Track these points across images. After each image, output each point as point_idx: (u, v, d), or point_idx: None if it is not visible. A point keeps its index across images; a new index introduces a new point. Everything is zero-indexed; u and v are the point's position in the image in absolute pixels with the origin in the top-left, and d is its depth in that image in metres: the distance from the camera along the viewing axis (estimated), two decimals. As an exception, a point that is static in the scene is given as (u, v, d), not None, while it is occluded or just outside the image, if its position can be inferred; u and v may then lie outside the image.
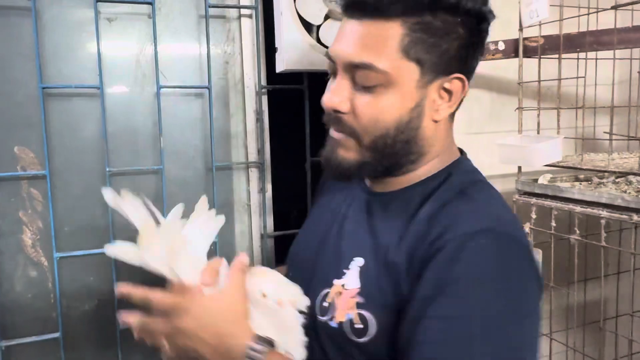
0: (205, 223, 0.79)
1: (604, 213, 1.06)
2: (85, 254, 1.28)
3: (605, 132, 1.21)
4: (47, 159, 1.22)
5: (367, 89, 0.72)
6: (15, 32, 1.21)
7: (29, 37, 1.20)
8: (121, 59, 1.31)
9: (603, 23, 1.23)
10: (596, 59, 1.17)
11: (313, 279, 0.83)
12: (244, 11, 1.38)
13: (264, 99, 1.41)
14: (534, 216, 1.23)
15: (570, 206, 1.14)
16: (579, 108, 1.21)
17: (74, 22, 1.26)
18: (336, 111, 0.74)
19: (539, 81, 1.28)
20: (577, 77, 1.22)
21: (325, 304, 0.77)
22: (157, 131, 1.30)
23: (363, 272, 0.75)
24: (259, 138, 1.41)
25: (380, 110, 0.72)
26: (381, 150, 0.74)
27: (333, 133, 0.77)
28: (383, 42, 0.70)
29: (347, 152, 0.76)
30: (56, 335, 1.24)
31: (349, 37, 0.72)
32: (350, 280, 0.76)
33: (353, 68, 0.72)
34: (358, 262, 0.77)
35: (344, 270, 0.77)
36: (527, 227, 1.23)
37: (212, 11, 1.34)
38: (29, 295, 1.28)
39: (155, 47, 1.27)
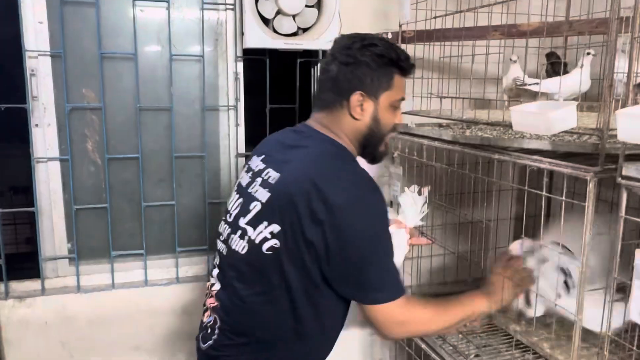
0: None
1: (425, 142, 1.76)
2: (123, 157, 2.07)
3: (429, 93, 1.90)
4: (102, 97, 2.00)
5: None
6: (85, 19, 1.98)
7: (93, 21, 1.96)
8: (149, 35, 2.07)
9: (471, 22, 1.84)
10: (474, 45, 1.80)
11: None
12: (228, 6, 2.10)
13: (240, 64, 2.14)
14: (399, 146, 1.93)
15: (416, 139, 1.83)
16: (438, 78, 1.89)
17: (120, 12, 2.02)
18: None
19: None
20: (426, 59, 1.89)
21: None
22: (170, 83, 2.06)
23: None
24: (236, 90, 2.15)
25: None
26: None
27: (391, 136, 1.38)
28: None
29: None
30: (105, 205, 2.06)
31: None
32: None
33: None
34: None
35: None
36: (396, 153, 1.93)
37: (208, 5, 2.07)
38: (90, 181, 2.09)
39: (169, 28, 2.01)
